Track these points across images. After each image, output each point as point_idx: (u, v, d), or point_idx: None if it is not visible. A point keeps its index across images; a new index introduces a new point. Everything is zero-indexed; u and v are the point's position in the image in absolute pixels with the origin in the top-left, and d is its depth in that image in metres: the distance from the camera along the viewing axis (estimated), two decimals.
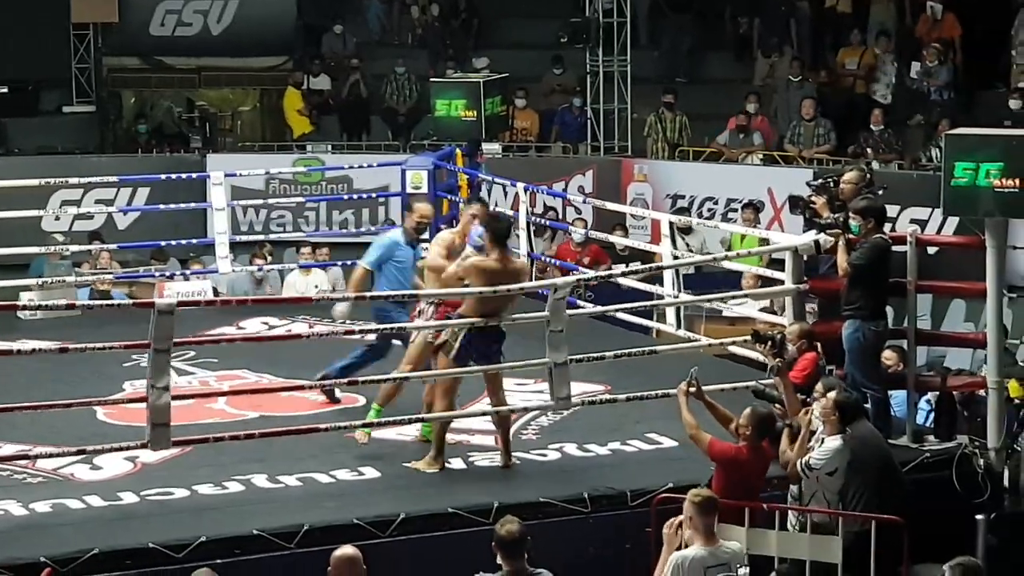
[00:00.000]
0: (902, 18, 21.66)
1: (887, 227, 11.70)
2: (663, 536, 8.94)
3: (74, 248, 17.58)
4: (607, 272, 15.87)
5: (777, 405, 10.42)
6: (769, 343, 10.69)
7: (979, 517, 10.51)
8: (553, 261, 16.98)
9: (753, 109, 20.87)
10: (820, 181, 12.30)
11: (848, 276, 11.16)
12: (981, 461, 11.04)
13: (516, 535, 8.16)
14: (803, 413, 10.19)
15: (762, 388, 10.73)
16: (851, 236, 11.23)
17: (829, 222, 11.51)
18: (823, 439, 9.95)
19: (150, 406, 9.83)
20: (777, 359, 10.58)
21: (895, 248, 11.37)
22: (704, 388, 10.25)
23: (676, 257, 14.25)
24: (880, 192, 11.99)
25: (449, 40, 23.57)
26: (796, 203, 12.46)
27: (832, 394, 10.05)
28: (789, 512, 9.95)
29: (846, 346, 11.18)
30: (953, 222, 15.99)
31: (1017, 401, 11.92)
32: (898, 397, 11.73)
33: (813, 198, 12.10)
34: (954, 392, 11.90)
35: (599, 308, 13.32)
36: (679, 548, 8.76)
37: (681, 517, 8.83)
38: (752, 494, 9.79)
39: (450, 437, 11.06)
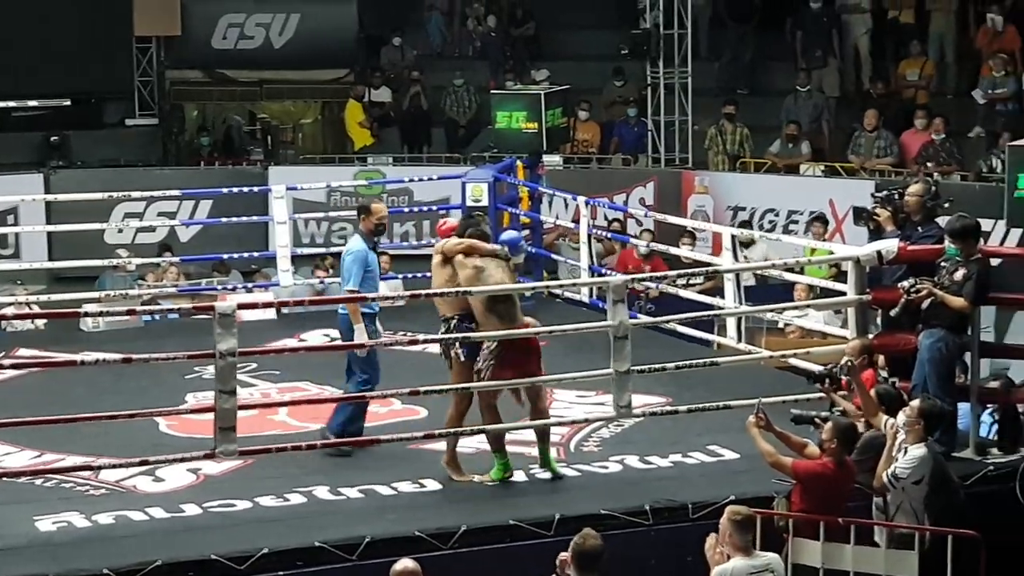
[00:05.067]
0: (963, 29, 21.54)
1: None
2: (708, 550, 8.99)
3: (138, 261, 17.69)
4: (661, 275, 15.85)
5: (817, 421, 10.35)
6: (827, 380, 10.65)
7: None
8: (612, 273, 16.96)
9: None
10: (885, 193, 12.19)
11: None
12: None
13: (596, 551, 8.26)
14: (888, 426, 10.14)
15: (800, 413, 10.63)
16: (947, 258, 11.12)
17: (912, 287, 11.26)
18: (906, 448, 9.90)
19: (217, 409, 9.89)
20: (836, 387, 10.56)
21: None
22: (766, 401, 10.22)
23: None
24: (946, 205, 11.90)
25: (509, 52, 23.62)
26: (860, 215, 12.38)
27: (916, 402, 10.02)
28: (875, 526, 9.93)
29: (925, 355, 11.07)
30: (1016, 233, 15.88)
31: None
32: (961, 409, 11.65)
33: (877, 210, 12.03)
34: (1018, 404, 11.82)
35: (659, 319, 13.30)
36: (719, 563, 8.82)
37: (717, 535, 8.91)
38: (838, 510, 9.75)
39: (511, 449, 11.07)
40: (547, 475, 10.98)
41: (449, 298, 10.87)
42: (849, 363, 10.59)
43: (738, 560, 8.76)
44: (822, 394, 10.86)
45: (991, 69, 20.34)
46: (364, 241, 11.65)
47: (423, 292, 11.26)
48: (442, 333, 10.99)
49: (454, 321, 10.91)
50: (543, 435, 11.02)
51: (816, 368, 11.12)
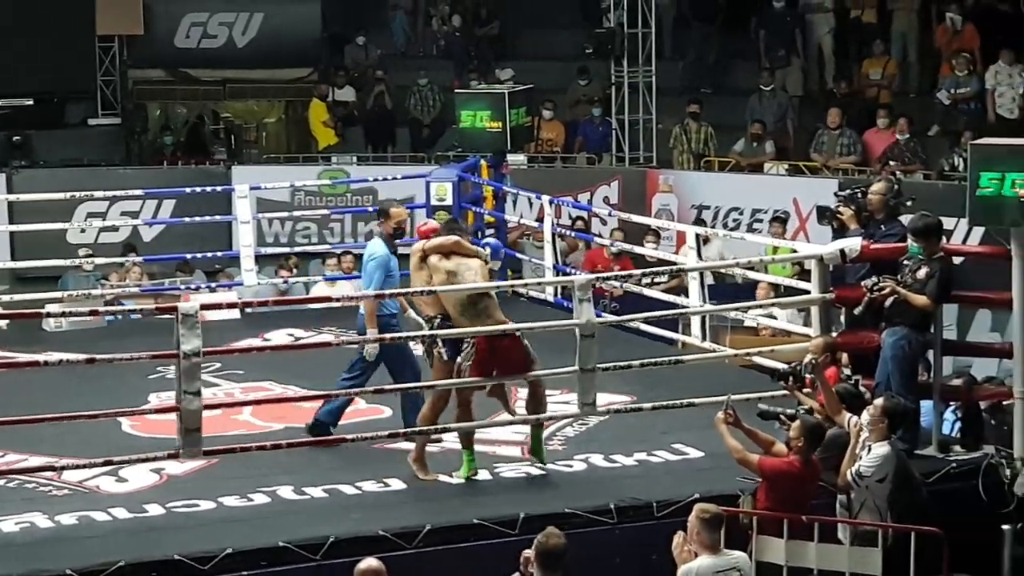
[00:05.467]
0: (925, 29, 21.62)
1: None
2: (675, 548, 9.01)
3: (101, 260, 17.63)
4: (627, 274, 15.86)
5: (784, 418, 10.38)
6: (791, 378, 10.68)
7: (1005, 527, 10.47)
8: (577, 271, 16.96)
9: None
10: (847, 192, 12.24)
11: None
12: (1008, 471, 10.99)
13: (559, 549, 8.27)
14: (852, 424, 10.17)
15: (766, 408, 10.67)
16: (910, 256, 11.18)
17: (875, 286, 11.29)
18: (869, 446, 9.94)
19: (181, 411, 9.86)
20: (800, 384, 10.60)
21: None
22: (733, 398, 10.25)
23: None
24: (909, 203, 11.96)
25: (473, 51, 23.61)
26: (823, 214, 12.41)
27: (880, 401, 10.06)
28: (838, 523, 9.96)
29: (888, 353, 11.12)
30: (978, 232, 15.95)
31: None
32: (924, 407, 11.70)
33: (840, 209, 12.07)
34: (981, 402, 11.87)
35: (625, 318, 13.31)
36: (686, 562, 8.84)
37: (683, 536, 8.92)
38: (804, 508, 9.78)
39: (476, 448, 11.07)
40: (512, 474, 10.99)
41: (430, 298, 10.88)
42: (813, 361, 10.62)
43: (705, 558, 8.77)
44: (786, 392, 10.90)
45: (952, 68, 20.43)
46: (385, 245, 11.64)
47: (399, 292, 11.26)
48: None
49: (436, 320, 10.90)
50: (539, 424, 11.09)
51: (780, 366, 11.15)
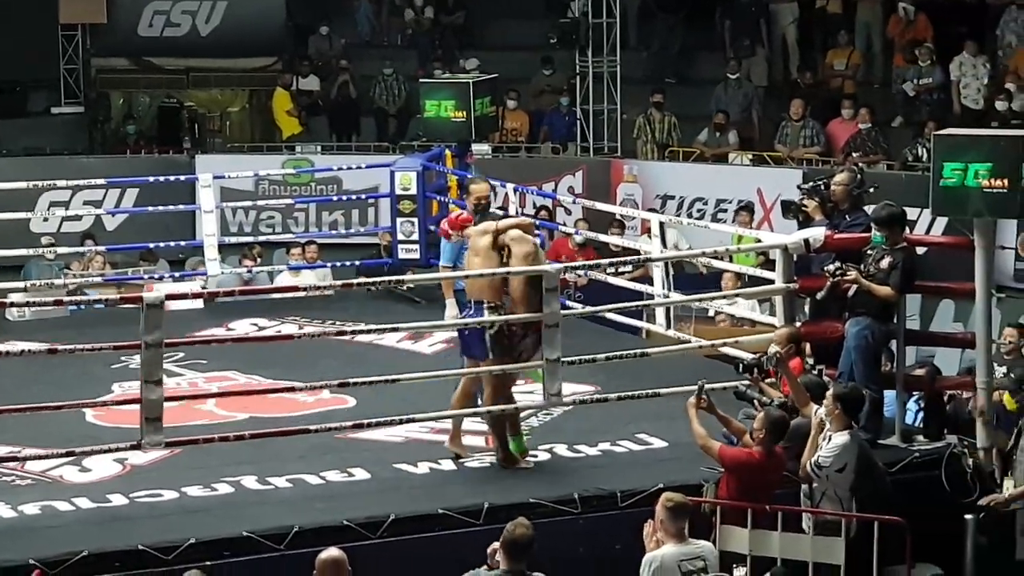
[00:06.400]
0: (888, 19, 21.68)
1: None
2: (645, 537, 9.03)
3: (63, 250, 17.55)
4: (592, 263, 15.88)
5: (758, 404, 10.42)
6: (756, 370, 10.70)
7: (968, 517, 10.51)
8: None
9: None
10: (811, 184, 12.25)
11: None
12: (970, 461, 11.03)
13: (526, 539, 8.25)
14: (814, 415, 10.20)
15: (744, 390, 10.71)
16: (873, 246, 11.21)
17: (838, 270, 11.34)
18: (830, 436, 9.96)
19: (143, 400, 9.83)
20: (765, 376, 10.62)
21: None
22: (695, 387, 10.26)
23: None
24: (872, 191, 12.00)
25: (438, 41, 23.57)
26: (788, 208, 12.44)
27: (832, 389, 10.09)
28: (803, 513, 9.99)
29: (851, 343, 11.14)
30: (942, 222, 16.00)
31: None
32: (887, 397, 11.73)
33: (805, 201, 12.08)
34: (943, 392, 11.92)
35: (589, 308, 13.32)
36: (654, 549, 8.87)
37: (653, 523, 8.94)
38: (765, 498, 9.80)
39: (441, 438, 11.09)
40: (477, 464, 11.00)
41: (489, 283, 10.77)
42: (777, 354, 10.64)
43: (670, 547, 8.80)
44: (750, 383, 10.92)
45: (914, 59, 20.49)
46: None
47: (453, 275, 11.32)
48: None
49: (492, 306, 10.80)
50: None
51: (746, 357, 11.17)
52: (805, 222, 12.05)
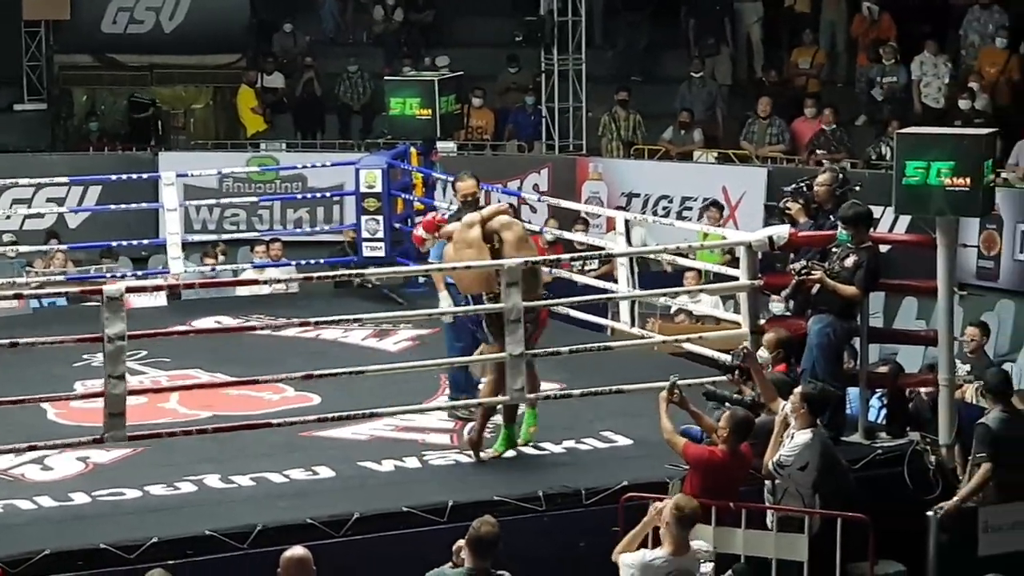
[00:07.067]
0: (853, 18, 21.74)
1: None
2: (648, 514, 9.03)
3: (25, 248, 17.47)
4: (556, 258, 15.87)
5: (727, 404, 10.43)
6: (736, 371, 10.72)
7: (930, 513, 10.55)
8: None
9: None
10: (793, 186, 12.26)
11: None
12: (932, 457, 11.07)
13: (492, 537, 8.22)
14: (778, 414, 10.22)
15: (713, 390, 10.73)
16: (838, 244, 11.24)
17: (804, 268, 11.36)
18: (793, 434, 9.99)
19: (106, 395, 9.78)
20: (746, 377, 10.64)
21: None
22: (660, 384, 10.27)
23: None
24: (856, 189, 12.03)
25: (404, 38, 23.53)
26: (772, 213, 12.45)
27: (799, 388, 10.11)
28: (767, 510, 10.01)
29: (813, 341, 11.17)
30: (905, 220, 16.06)
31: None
32: (850, 394, 11.77)
33: (788, 204, 12.09)
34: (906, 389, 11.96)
35: (552, 302, 13.30)
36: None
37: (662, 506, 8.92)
38: (729, 496, 9.81)
39: (405, 436, 11.07)
40: (441, 461, 11.00)
41: (477, 275, 10.83)
42: (744, 349, 10.66)
43: (666, 552, 8.75)
44: (723, 378, 10.96)
45: (878, 58, 20.55)
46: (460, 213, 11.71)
47: (435, 267, 11.26)
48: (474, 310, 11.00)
49: (485, 298, 10.90)
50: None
51: (727, 359, 11.18)
52: (791, 225, 12.05)
